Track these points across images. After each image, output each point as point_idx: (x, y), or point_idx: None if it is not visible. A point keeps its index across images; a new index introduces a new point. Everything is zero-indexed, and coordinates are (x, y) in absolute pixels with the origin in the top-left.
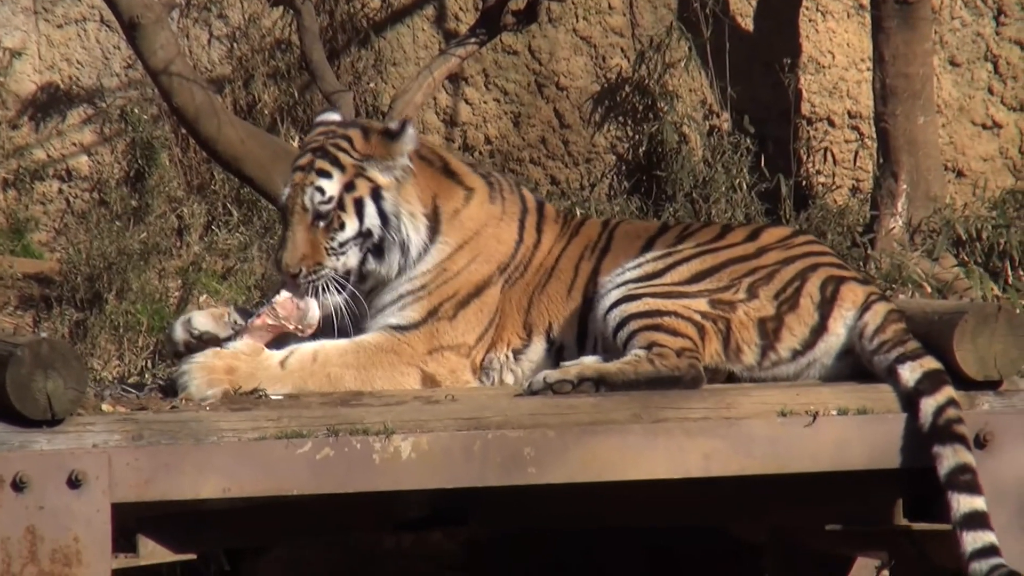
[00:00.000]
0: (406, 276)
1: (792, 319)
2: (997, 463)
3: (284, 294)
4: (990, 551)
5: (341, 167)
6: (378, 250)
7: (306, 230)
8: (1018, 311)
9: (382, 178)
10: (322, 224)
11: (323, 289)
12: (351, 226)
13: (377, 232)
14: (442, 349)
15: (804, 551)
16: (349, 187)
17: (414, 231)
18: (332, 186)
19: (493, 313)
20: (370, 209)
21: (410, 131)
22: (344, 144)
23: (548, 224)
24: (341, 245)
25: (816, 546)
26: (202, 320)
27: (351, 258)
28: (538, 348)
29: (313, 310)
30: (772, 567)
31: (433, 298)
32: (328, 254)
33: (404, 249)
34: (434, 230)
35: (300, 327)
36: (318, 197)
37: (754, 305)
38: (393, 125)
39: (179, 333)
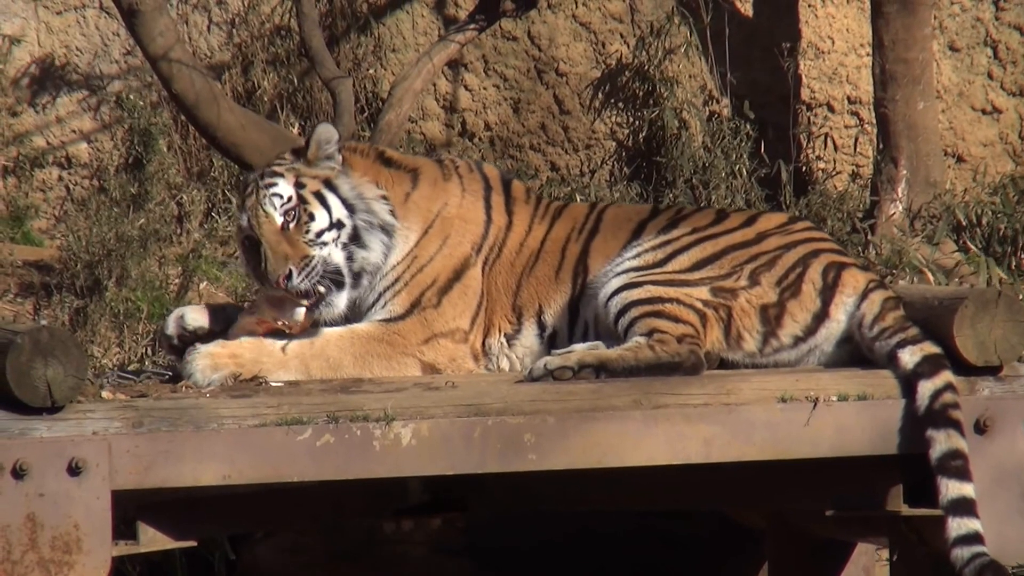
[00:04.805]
0: (380, 274)
1: (794, 305)
2: (997, 448)
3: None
4: (974, 539)
5: (281, 175)
6: (357, 239)
7: (278, 233)
8: (1021, 297)
9: (322, 172)
10: (292, 224)
11: (319, 283)
12: (321, 216)
13: (347, 221)
14: (436, 337)
15: (805, 537)
16: (299, 185)
17: (382, 211)
18: (285, 188)
19: (479, 295)
20: (332, 199)
21: (321, 128)
22: (275, 167)
23: (518, 204)
24: (318, 235)
25: (817, 532)
26: (194, 315)
27: (334, 253)
28: (530, 333)
29: (300, 308)
30: (773, 553)
31: (412, 289)
32: (310, 246)
33: (385, 229)
34: (391, 216)
35: (287, 323)
36: (278, 201)
37: (756, 292)
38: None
39: (172, 328)
